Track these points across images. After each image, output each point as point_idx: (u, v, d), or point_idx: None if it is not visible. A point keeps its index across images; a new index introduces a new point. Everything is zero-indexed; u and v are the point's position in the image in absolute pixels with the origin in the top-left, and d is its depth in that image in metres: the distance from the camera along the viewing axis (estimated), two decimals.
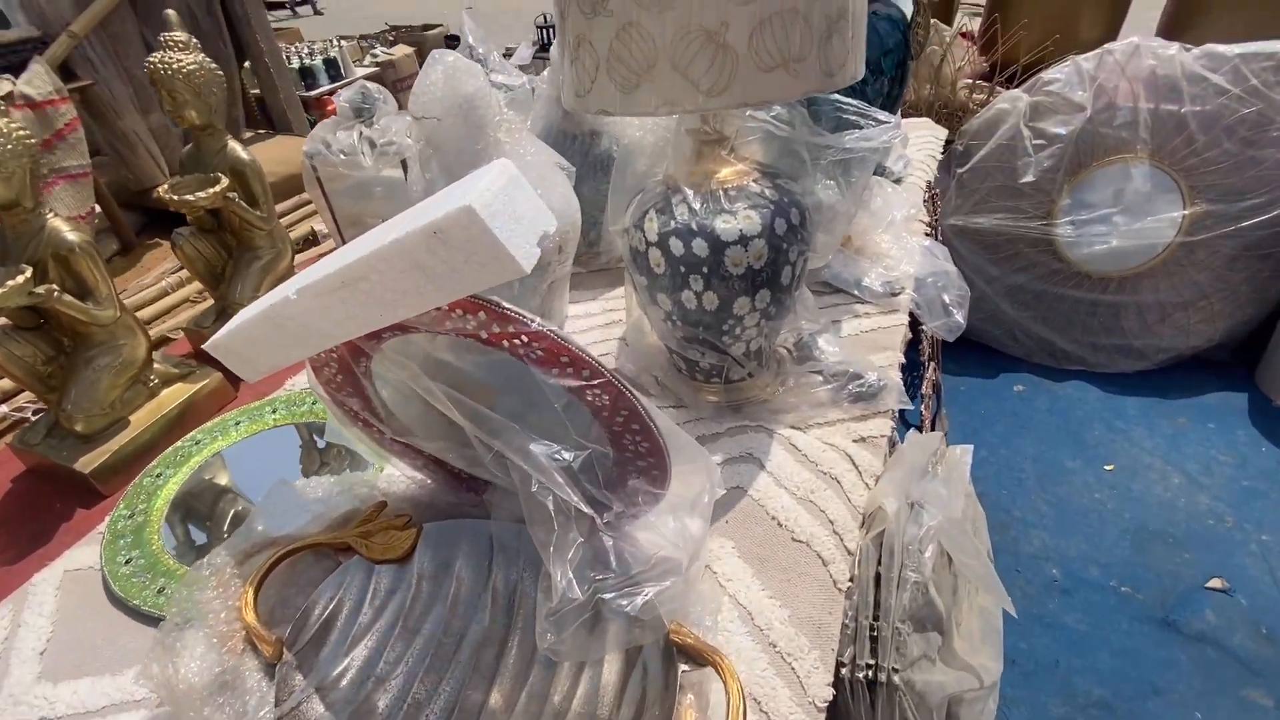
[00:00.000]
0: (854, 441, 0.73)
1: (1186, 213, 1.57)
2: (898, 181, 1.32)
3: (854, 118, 0.73)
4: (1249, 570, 1.24)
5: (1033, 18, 1.68)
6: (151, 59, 0.76)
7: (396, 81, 3.79)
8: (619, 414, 0.46)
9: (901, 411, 0.81)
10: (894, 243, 1.06)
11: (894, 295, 0.96)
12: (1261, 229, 1.52)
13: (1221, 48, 1.48)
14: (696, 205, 0.65)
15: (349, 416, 0.59)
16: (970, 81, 1.69)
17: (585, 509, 0.45)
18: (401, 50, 4.06)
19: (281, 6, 10.84)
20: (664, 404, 0.81)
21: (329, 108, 3.35)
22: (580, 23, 0.55)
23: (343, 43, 4.55)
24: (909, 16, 0.87)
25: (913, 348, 1.06)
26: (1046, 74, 1.59)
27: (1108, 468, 1.46)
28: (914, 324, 1.00)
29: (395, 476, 0.70)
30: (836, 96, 0.73)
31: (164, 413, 0.84)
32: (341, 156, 0.99)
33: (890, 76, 0.87)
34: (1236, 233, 1.54)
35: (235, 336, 0.51)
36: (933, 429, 1.55)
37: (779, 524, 0.64)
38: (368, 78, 2.02)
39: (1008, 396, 1.69)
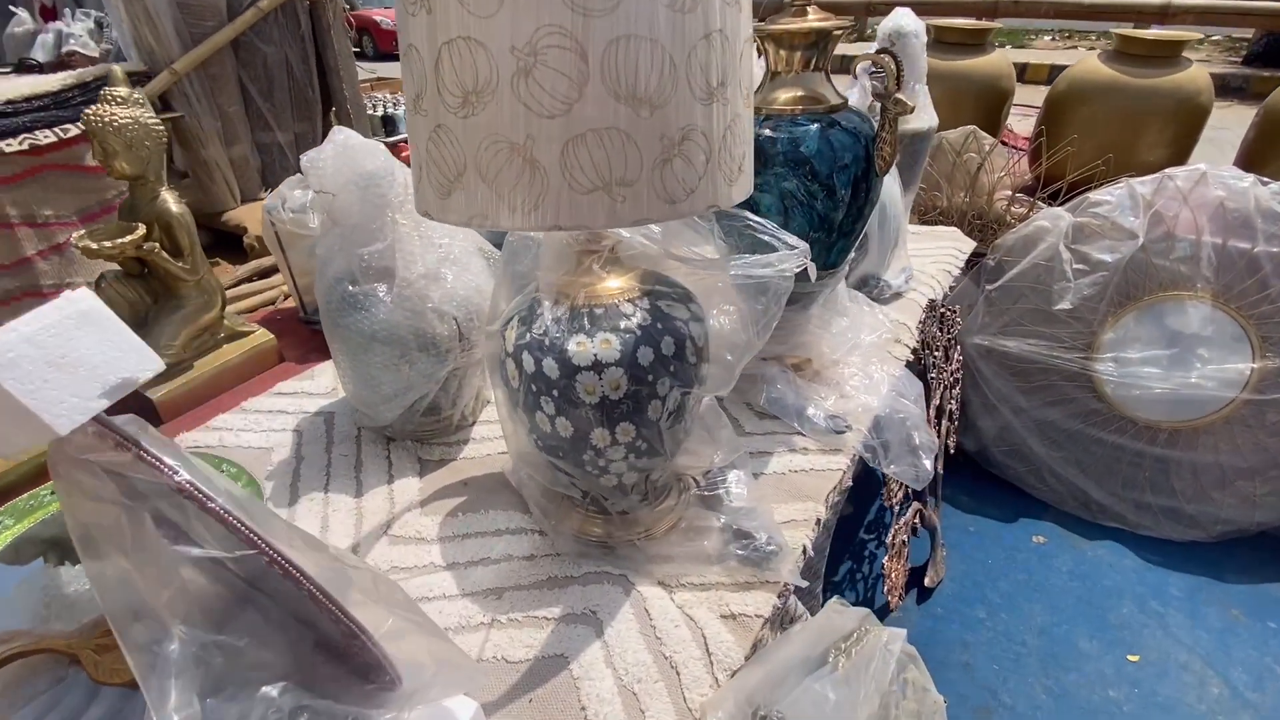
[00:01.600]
0: (721, 617, 0.61)
1: (1256, 366, 1.36)
2: (895, 296, 1.20)
3: (768, 239, 0.64)
4: None
5: (1085, 133, 1.54)
6: (87, 111, 0.77)
7: None
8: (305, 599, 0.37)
9: (885, 552, 0.68)
10: (859, 370, 0.94)
11: (839, 433, 0.84)
12: None
13: None
14: (554, 320, 0.58)
15: None
16: (1010, 194, 1.56)
17: None
18: None
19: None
20: (524, 529, 0.71)
21: (403, 154, 3.56)
22: (409, 119, 0.50)
23: None
24: (870, 129, 0.78)
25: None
26: (1095, 194, 1.44)
27: (1132, 658, 1.22)
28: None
29: None
30: (745, 214, 0.64)
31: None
32: (290, 214, 0.99)
33: (845, 194, 0.77)
34: None
35: None
36: (922, 576, 1.36)
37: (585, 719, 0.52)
38: None
39: (1024, 547, 1.47)
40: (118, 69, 0.80)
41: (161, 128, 0.83)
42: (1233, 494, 1.43)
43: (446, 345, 0.79)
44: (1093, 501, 1.52)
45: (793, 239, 0.62)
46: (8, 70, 2.96)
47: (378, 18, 12.21)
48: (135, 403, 0.93)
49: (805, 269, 0.61)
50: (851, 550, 1.44)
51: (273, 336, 1.01)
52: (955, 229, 1.51)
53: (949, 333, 1.39)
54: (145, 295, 0.90)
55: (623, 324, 0.57)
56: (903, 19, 1.20)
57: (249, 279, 1.53)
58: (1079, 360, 1.47)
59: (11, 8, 3.45)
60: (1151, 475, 1.48)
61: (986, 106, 1.68)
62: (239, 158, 2.61)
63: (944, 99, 1.70)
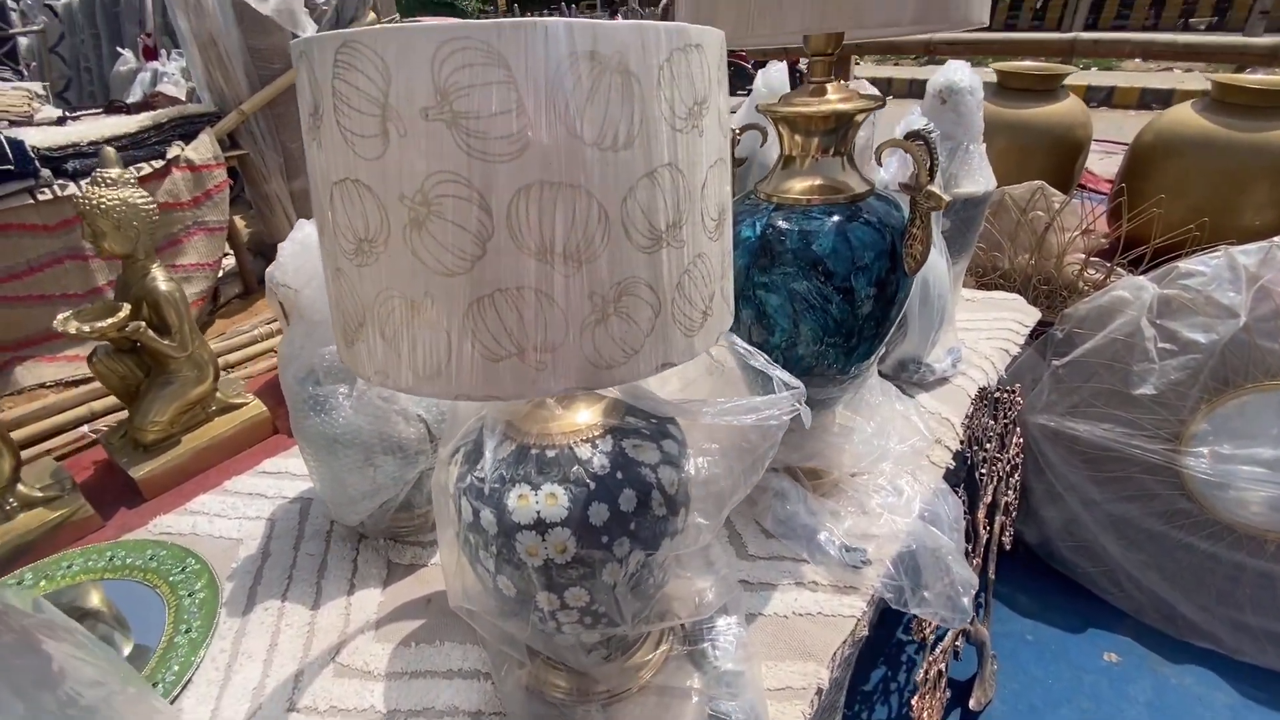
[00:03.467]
0: None
1: None
2: (940, 382, 1.07)
3: (761, 368, 0.54)
4: None
5: (1175, 192, 1.35)
6: (78, 194, 0.76)
7: None
8: None
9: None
10: (887, 483, 0.82)
11: (856, 568, 0.72)
12: None
13: None
14: (496, 462, 0.50)
15: None
16: (1084, 257, 1.38)
17: None
18: None
19: None
20: (478, 672, 0.63)
21: None
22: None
23: None
24: (900, 221, 0.67)
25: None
26: (1186, 263, 1.26)
27: None
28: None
29: None
30: (733, 339, 0.55)
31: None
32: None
33: (868, 297, 0.67)
34: None
35: None
36: (966, 695, 1.20)
37: None
38: None
39: (1093, 666, 1.27)
40: (111, 151, 0.79)
41: (151, 206, 0.81)
42: None
43: (416, 448, 0.73)
44: (1179, 616, 1.32)
45: (788, 378, 0.52)
46: (99, 111, 3.19)
47: None
48: (118, 481, 0.91)
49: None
50: (887, 654, 1.29)
51: (265, 409, 0.98)
52: (1018, 296, 1.35)
53: (1006, 416, 1.23)
54: (136, 369, 0.89)
55: (575, 472, 0.49)
56: (955, 73, 1.08)
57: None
58: (1164, 453, 1.28)
59: (119, 49, 3.74)
60: (1254, 592, 1.26)
61: (1059, 158, 1.51)
62: (299, 190, 2.70)
63: (1010, 150, 1.56)
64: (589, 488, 0.48)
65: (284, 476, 0.91)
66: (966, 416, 1.00)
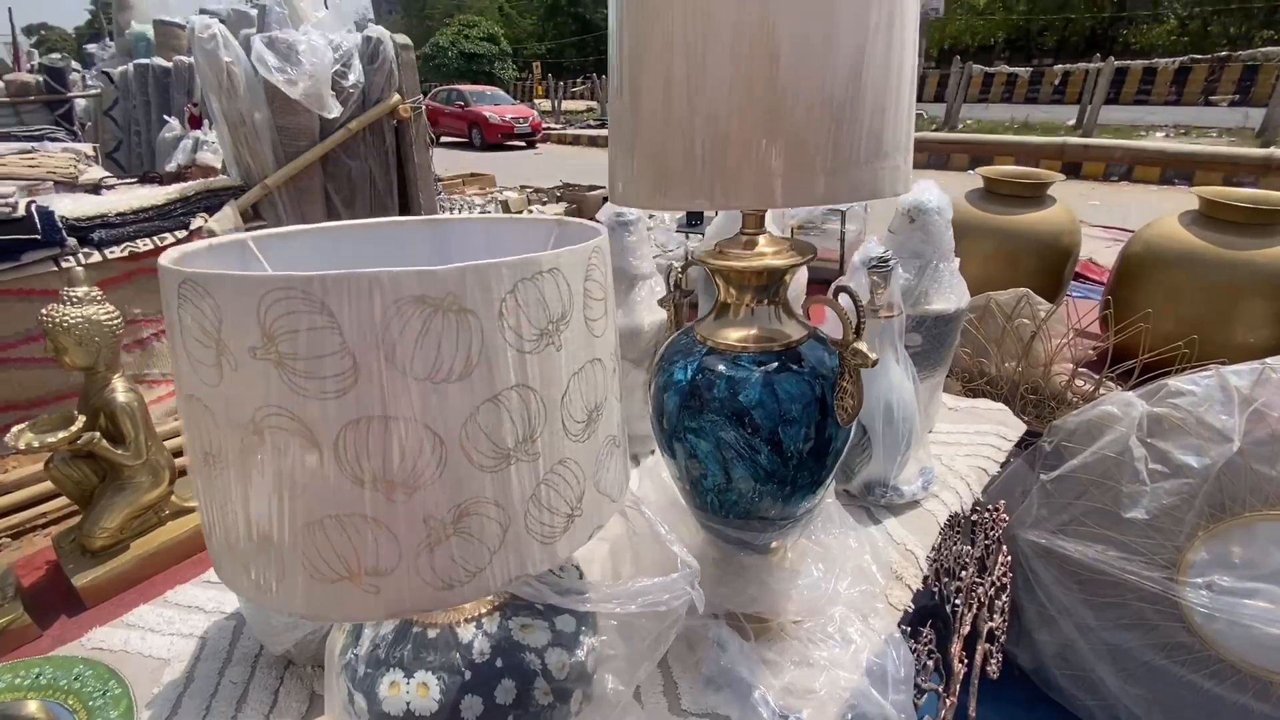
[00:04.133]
0: None
1: None
2: (910, 505, 1.03)
3: (663, 540, 0.52)
4: None
5: (1164, 305, 1.31)
6: (43, 312, 0.79)
7: None
8: None
9: None
10: (836, 630, 0.78)
11: None
12: None
13: None
14: (374, 641, 0.48)
15: None
16: (1072, 367, 1.35)
17: None
18: (552, 209, 4.47)
19: (516, 148, 12.89)
20: None
21: None
22: None
23: (510, 194, 5.15)
24: (832, 370, 0.66)
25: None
26: (1175, 381, 1.22)
27: None
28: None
29: None
30: (641, 509, 0.54)
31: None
32: None
33: (797, 450, 0.65)
34: None
35: None
36: None
37: None
38: None
39: None
40: (79, 270, 0.83)
41: (116, 321, 0.84)
42: None
43: None
44: None
45: (685, 555, 0.50)
46: (134, 181, 3.38)
47: (486, 113, 13.44)
48: (63, 585, 0.91)
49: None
50: None
51: None
52: (1004, 407, 1.31)
53: (988, 537, 1.18)
54: (92, 474, 0.90)
55: (452, 659, 0.47)
56: (924, 194, 1.08)
57: None
58: (1161, 581, 1.20)
59: (165, 116, 4.00)
60: None
61: (1047, 265, 1.50)
62: None
63: (998, 255, 1.55)
64: (463, 677, 0.46)
65: (226, 589, 0.90)
66: (933, 549, 0.95)
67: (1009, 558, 1.28)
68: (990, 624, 1.18)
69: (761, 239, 0.67)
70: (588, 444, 0.42)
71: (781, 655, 0.75)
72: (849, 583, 0.80)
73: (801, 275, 1.23)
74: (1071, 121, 13.66)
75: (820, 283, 1.11)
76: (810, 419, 0.65)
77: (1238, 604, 1.15)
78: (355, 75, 2.55)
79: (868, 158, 0.53)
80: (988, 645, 1.17)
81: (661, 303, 0.82)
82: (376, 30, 2.73)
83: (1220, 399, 1.18)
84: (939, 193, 1.09)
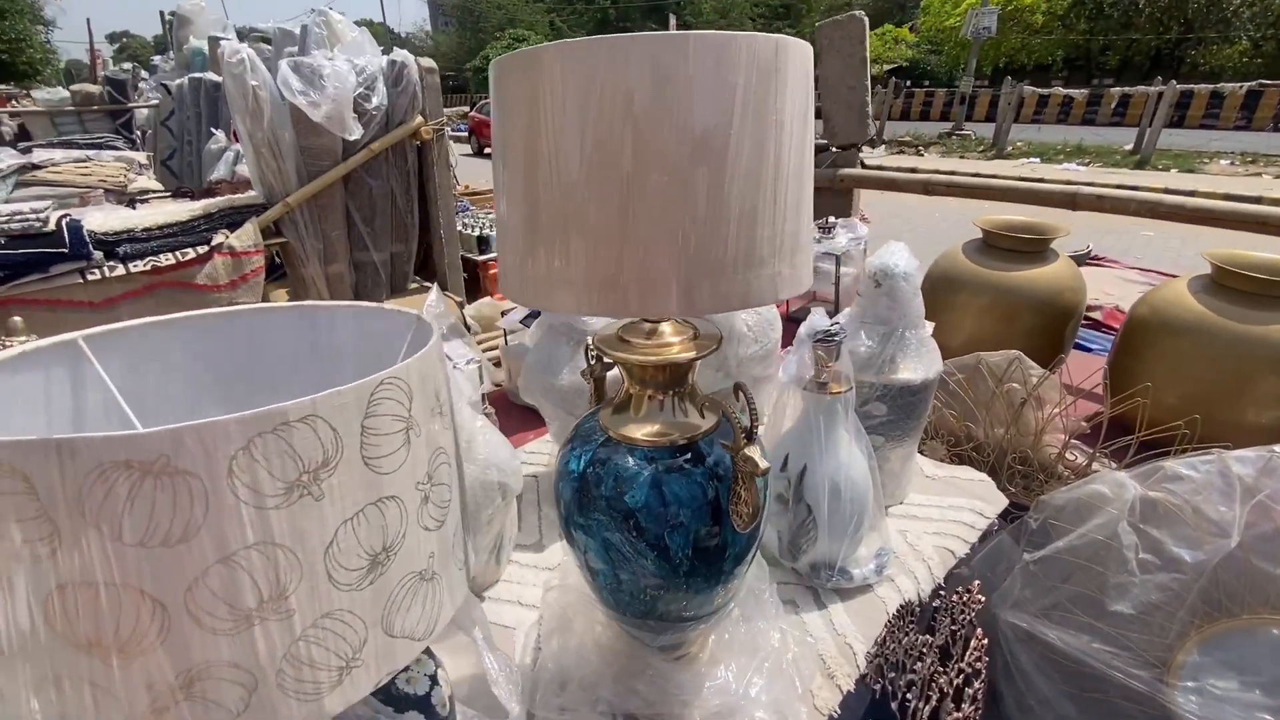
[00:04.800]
0: None
1: None
2: (863, 589, 0.97)
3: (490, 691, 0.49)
4: None
5: (1167, 377, 1.21)
6: None
7: None
8: None
9: None
10: None
11: None
12: None
13: None
14: None
15: None
16: (1064, 438, 1.26)
17: None
18: None
19: None
20: None
21: (491, 271, 3.82)
22: None
23: None
24: (727, 476, 0.61)
25: None
26: (1173, 464, 1.12)
27: None
28: None
29: None
30: (479, 637, 0.50)
31: None
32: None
33: (686, 557, 0.61)
34: None
35: None
36: None
37: None
38: None
39: None
40: (19, 321, 0.85)
41: None
42: None
43: None
44: None
45: (505, 699, 0.47)
46: (167, 195, 3.53)
47: None
48: None
49: None
50: None
51: None
52: (986, 479, 1.23)
53: (955, 621, 1.10)
54: None
55: None
56: (892, 256, 1.03)
57: None
58: (1149, 681, 1.10)
59: (212, 129, 4.18)
60: None
61: (1046, 323, 1.40)
62: (335, 274, 2.88)
63: (994, 310, 1.47)
64: None
65: None
66: (876, 642, 0.89)
67: (984, 641, 1.20)
68: (957, 715, 1.11)
69: (666, 326, 0.64)
70: (370, 589, 0.39)
71: None
72: (764, 685, 0.75)
73: (776, 324, 1.18)
74: (1129, 146, 13.09)
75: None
76: (699, 526, 0.61)
77: (1231, 713, 1.05)
78: (379, 98, 2.61)
79: (738, 266, 0.49)
80: None
81: (583, 374, 0.79)
82: (401, 54, 2.78)
83: (1220, 487, 1.08)
84: (908, 256, 1.03)
